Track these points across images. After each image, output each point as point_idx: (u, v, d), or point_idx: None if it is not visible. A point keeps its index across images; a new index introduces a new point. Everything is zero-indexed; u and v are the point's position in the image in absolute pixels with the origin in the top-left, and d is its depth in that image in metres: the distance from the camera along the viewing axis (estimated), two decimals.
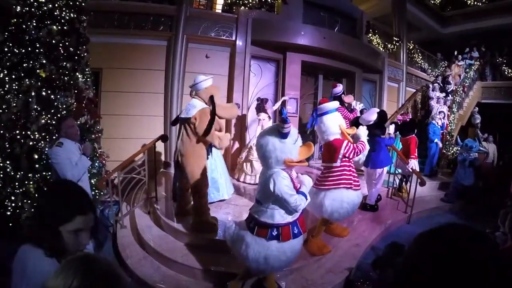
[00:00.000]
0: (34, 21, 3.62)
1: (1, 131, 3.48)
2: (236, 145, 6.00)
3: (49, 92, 3.66)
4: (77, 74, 3.98)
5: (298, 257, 2.48)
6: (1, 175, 3.45)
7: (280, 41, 6.02)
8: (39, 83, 3.62)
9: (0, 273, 1.38)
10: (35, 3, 3.64)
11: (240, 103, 5.83)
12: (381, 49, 8.48)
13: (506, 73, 10.60)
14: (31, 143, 3.51)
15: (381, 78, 8.24)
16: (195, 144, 3.20)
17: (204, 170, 3.26)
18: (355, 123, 3.90)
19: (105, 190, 3.95)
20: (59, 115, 3.67)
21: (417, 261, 0.69)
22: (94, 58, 4.52)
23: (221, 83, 5.65)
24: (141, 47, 5.65)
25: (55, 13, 3.74)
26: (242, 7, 6.14)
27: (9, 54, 3.57)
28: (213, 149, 3.91)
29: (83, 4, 4.10)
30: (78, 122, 3.79)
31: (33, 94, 3.58)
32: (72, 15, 3.90)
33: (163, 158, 5.75)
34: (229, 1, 6.40)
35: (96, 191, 3.92)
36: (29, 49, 3.58)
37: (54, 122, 3.63)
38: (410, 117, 7.20)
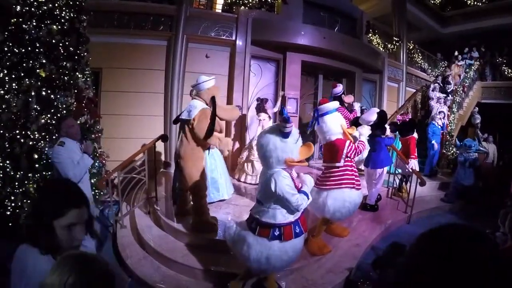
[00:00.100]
0: (34, 21, 3.62)
1: (1, 131, 3.47)
2: (236, 145, 6.00)
3: (49, 91, 3.66)
4: (77, 73, 3.98)
5: (298, 257, 2.48)
6: (1, 175, 3.44)
7: (280, 41, 6.02)
8: (39, 83, 3.61)
9: (0, 273, 1.38)
10: (35, 3, 3.64)
11: (240, 103, 5.83)
12: (381, 49, 8.48)
13: (506, 73, 10.59)
14: (31, 143, 3.51)
15: (381, 78, 8.24)
16: (194, 147, 3.18)
17: (203, 172, 3.26)
18: (355, 123, 3.90)
19: (105, 190, 3.95)
20: (59, 115, 3.67)
21: (419, 261, 0.69)
22: (94, 58, 4.51)
23: (221, 83, 5.64)
24: (141, 47, 5.65)
25: (55, 13, 3.74)
26: (242, 7, 6.14)
27: (9, 54, 3.56)
28: (213, 149, 3.92)
29: (83, 3, 4.10)
30: (78, 122, 3.79)
31: (33, 93, 3.58)
32: (72, 14, 3.90)
33: (163, 158, 5.75)
34: (229, 1, 6.40)
35: (96, 191, 3.91)
36: (29, 48, 3.57)
37: (54, 122, 3.63)
38: (410, 117, 7.19)
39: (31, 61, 3.58)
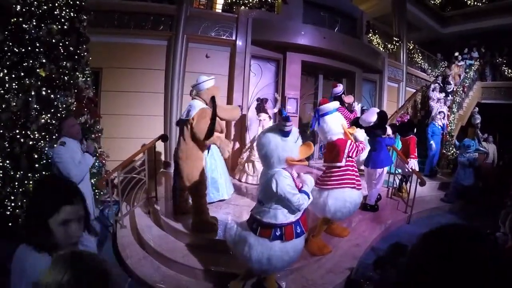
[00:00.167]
0: (34, 20, 3.61)
1: (1, 131, 3.47)
2: (237, 145, 6.00)
3: (49, 91, 3.65)
4: (77, 73, 3.98)
5: (299, 257, 2.48)
6: (1, 175, 3.44)
7: (280, 41, 6.02)
8: (39, 83, 3.61)
9: (0, 273, 1.38)
10: (35, 2, 3.63)
11: (240, 103, 5.83)
12: (381, 49, 8.48)
13: (506, 73, 10.59)
14: (31, 142, 3.50)
15: (381, 78, 8.24)
16: (193, 147, 3.18)
17: (202, 172, 3.26)
18: (355, 123, 3.90)
19: (105, 190, 3.94)
20: (59, 115, 3.66)
21: (421, 261, 0.69)
22: (94, 58, 4.50)
23: (221, 83, 5.64)
24: (141, 47, 5.64)
25: (55, 12, 3.73)
26: (242, 7, 6.14)
27: (9, 53, 3.56)
28: (214, 149, 3.91)
29: (83, 3, 4.09)
30: (78, 122, 3.78)
31: (33, 93, 3.58)
32: (72, 14, 3.90)
33: (163, 158, 5.74)
34: (229, 1, 6.40)
35: (96, 191, 3.91)
36: (29, 48, 3.57)
37: (54, 122, 3.63)
38: (408, 117, 7.19)
39: (31, 61, 3.57)
